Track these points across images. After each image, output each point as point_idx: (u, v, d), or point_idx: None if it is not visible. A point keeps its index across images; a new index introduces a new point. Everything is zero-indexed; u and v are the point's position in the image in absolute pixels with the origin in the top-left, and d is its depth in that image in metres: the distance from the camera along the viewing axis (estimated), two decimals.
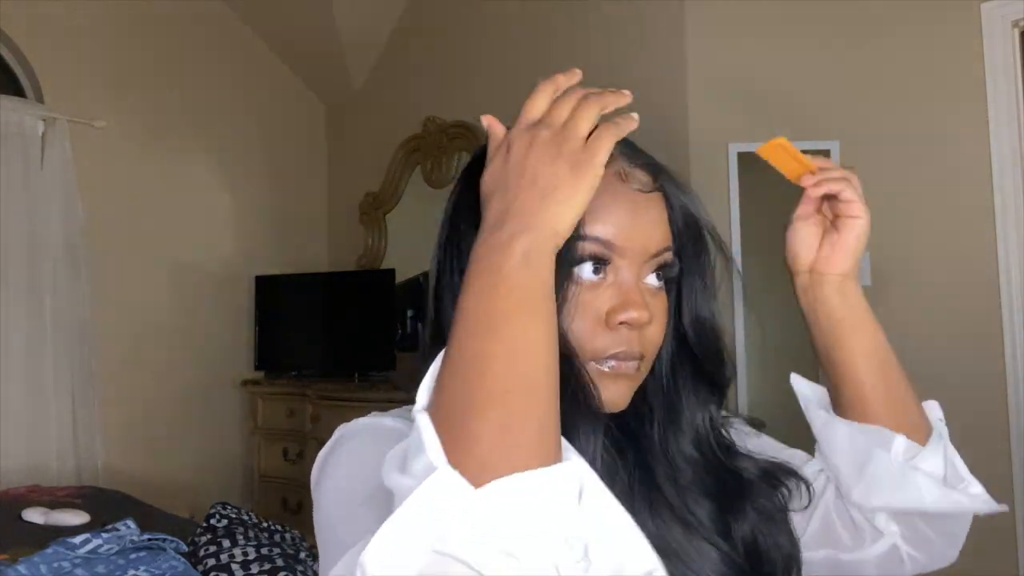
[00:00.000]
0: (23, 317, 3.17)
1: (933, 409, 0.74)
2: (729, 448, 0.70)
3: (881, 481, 0.68)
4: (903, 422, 0.69)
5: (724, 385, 0.70)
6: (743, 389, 2.60)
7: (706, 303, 0.68)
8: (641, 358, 0.62)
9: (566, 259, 0.58)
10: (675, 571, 0.60)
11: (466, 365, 0.47)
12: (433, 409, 0.47)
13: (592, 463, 0.58)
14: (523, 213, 0.52)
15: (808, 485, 0.71)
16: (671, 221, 0.65)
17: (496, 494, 0.42)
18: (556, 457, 0.46)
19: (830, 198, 0.71)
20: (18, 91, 3.35)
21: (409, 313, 3.70)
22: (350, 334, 3.76)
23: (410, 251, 3.83)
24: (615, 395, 0.62)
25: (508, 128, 0.59)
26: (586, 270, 0.61)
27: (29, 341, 3.17)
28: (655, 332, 0.63)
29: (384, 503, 0.48)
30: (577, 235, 0.57)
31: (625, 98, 0.59)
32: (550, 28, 3.28)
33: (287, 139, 4.22)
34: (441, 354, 0.50)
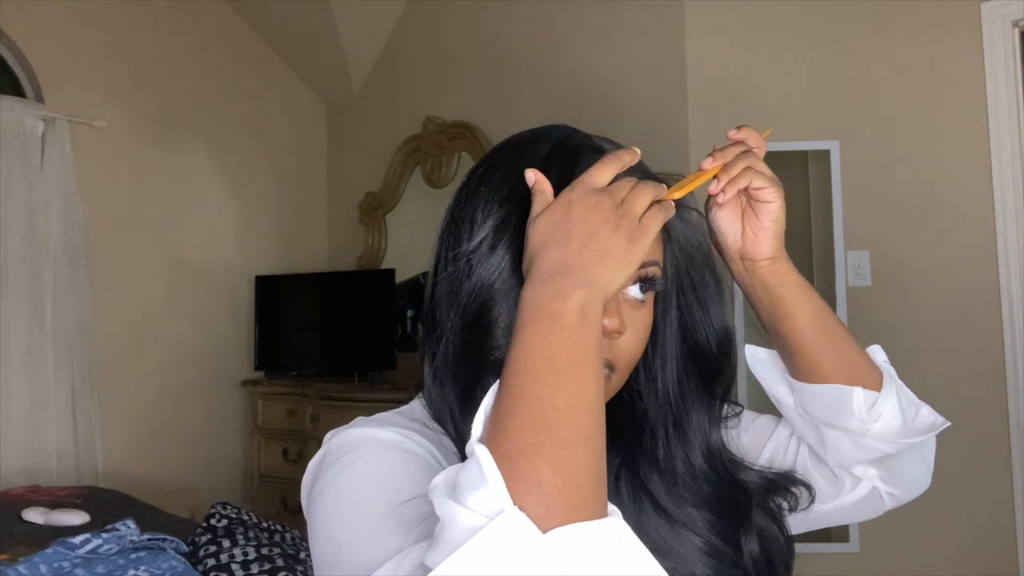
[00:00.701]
0: (23, 317, 3.17)
1: (877, 353, 0.78)
2: (734, 461, 0.74)
3: (840, 447, 0.74)
4: (856, 374, 0.73)
5: (723, 393, 0.74)
6: (743, 390, 2.60)
7: (717, 318, 0.72)
8: (612, 368, 0.64)
9: None
10: (665, 566, 0.62)
11: (530, 410, 0.48)
12: (491, 446, 0.48)
13: None
14: (582, 269, 0.54)
15: (809, 488, 0.76)
16: (669, 240, 0.68)
17: (561, 541, 0.44)
18: (606, 508, 0.49)
19: None
20: (18, 91, 3.35)
21: (409, 313, 3.71)
22: (350, 334, 3.76)
23: (410, 251, 3.83)
24: None
25: (511, 136, 0.63)
26: None
27: (29, 341, 3.17)
28: (629, 343, 0.65)
29: (401, 524, 0.50)
30: None
31: (671, 212, 0.63)
32: (550, 28, 3.28)
33: (287, 139, 4.22)
34: (495, 388, 0.51)
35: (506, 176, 0.64)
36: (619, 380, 0.66)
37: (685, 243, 0.70)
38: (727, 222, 0.73)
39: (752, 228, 0.73)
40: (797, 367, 0.75)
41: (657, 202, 0.60)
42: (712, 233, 0.74)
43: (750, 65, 2.77)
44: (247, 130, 4.03)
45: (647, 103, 2.89)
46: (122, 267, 3.53)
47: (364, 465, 0.59)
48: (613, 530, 0.46)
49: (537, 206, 0.59)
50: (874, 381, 0.73)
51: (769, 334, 0.76)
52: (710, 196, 0.73)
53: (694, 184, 0.69)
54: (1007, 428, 2.47)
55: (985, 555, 2.49)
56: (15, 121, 3.20)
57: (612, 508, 0.49)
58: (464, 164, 3.62)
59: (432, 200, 3.73)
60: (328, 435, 0.64)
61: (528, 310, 0.53)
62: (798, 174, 2.87)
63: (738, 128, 0.73)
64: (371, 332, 3.65)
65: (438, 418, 0.66)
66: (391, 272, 3.63)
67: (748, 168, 0.70)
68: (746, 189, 0.71)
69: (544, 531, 0.44)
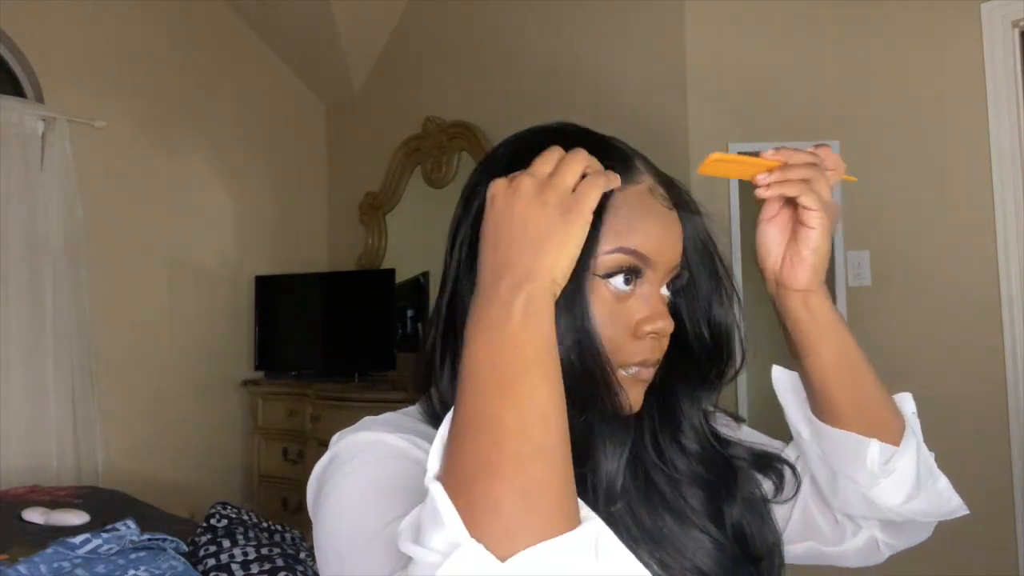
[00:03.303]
0: (23, 317, 3.17)
1: (906, 403, 0.74)
2: (720, 437, 0.73)
3: (849, 499, 0.72)
4: (875, 425, 0.70)
5: (717, 383, 0.72)
6: (743, 392, 2.60)
7: (716, 308, 0.70)
8: (657, 362, 0.65)
9: (602, 268, 0.61)
10: (670, 560, 0.63)
11: (478, 429, 0.46)
12: (446, 475, 0.46)
13: (618, 469, 0.61)
14: (518, 263, 0.51)
15: (795, 471, 0.75)
16: (683, 237, 0.67)
17: (523, 564, 0.42)
18: (576, 518, 0.46)
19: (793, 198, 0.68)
20: (18, 91, 3.35)
21: (409, 313, 3.70)
22: (350, 334, 3.76)
23: (410, 251, 3.83)
24: (636, 398, 0.64)
25: (508, 138, 0.63)
26: (619, 281, 0.62)
27: (29, 341, 3.17)
28: (668, 339, 0.65)
29: (391, 544, 0.49)
30: (619, 247, 0.61)
31: (615, 181, 0.58)
32: (550, 28, 3.28)
33: (287, 139, 4.22)
34: (449, 416, 0.49)
35: (511, 168, 0.63)
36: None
37: (693, 235, 0.68)
38: (771, 241, 0.70)
39: (791, 255, 0.68)
40: (817, 404, 0.72)
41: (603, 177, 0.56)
42: (756, 249, 0.71)
43: (750, 64, 2.77)
44: (247, 130, 4.03)
45: (648, 102, 2.89)
46: (122, 267, 3.53)
47: (369, 472, 0.58)
48: (585, 540, 0.44)
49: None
50: (893, 434, 0.70)
51: (794, 362, 0.74)
52: (760, 208, 0.70)
53: (742, 163, 0.65)
54: (1007, 428, 2.47)
55: (985, 555, 2.49)
56: (15, 121, 3.20)
57: (586, 513, 0.47)
58: (464, 164, 3.62)
59: (432, 200, 3.73)
60: (335, 436, 0.63)
61: (470, 322, 0.51)
62: None
63: (817, 145, 0.68)
64: (371, 332, 3.65)
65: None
66: (391, 272, 3.63)
67: (806, 181, 0.65)
68: (795, 208, 0.67)
69: (506, 556, 0.42)
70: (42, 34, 3.35)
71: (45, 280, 3.22)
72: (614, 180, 0.57)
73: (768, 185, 0.65)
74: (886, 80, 2.67)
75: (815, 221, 0.66)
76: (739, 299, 0.72)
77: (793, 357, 0.73)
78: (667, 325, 0.62)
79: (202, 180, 3.88)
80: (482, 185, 0.62)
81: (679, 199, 0.67)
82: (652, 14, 2.91)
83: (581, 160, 0.56)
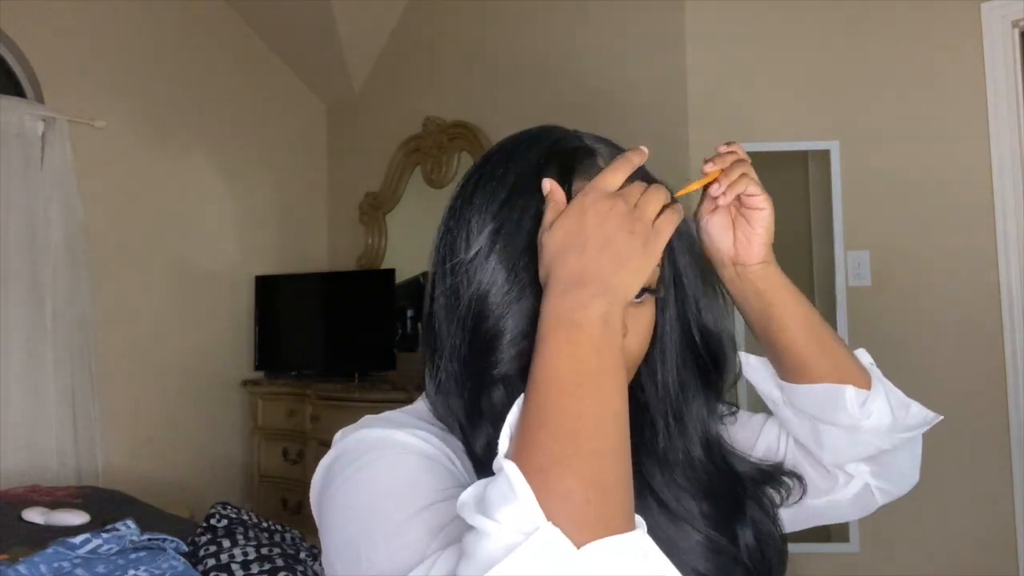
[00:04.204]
0: (23, 317, 3.16)
1: (863, 356, 0.80)
2: (730, 451, 0.75)
3: (837, 444, 0.76)
4: (844, 374, 0.75)
5: (721, 385, 0.75)
6: (743, 387, 2.60)
7: (708, 313, 0.72)
8: None
9: None
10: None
11: (555, 422, 0.49)
12: (517, 460, 0.48)
13: None
14: (600, 277, 0.55)
15: (801, 479, 0.78)
16: (674, 248, 0.70)
17: (596, 555, 0.44)
18: (633, 519, 0.49)
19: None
20: (18, 91, 3.35)
21: (409, 313, 3.70)
22: (350, 334, 3.76)
23: (410, 251, 3.83)
24: None
25: (503, 140, 0.64)
26: None
27: (29, 341, 3.17)
28: (633, 343, 0.65)
29: (431, 528, 0.52)
30: None
31: (681, 215, 0.63)
32: (550, 28, 3.28)
33: (287, 139, 4.22)
34: (519, 402, 0.52)
35: (498, 186, 0.64)
36: (627, 380, 0.65)
37: (682, 239, 0.71)
38: (719, 229, 0.75)
39: (744, 234, 0.74)
40: (788, 368, 0.77)
41: (667, 206, 0.61)
42: (703, 244, 0.76)
43: (750, 65, 2.77)
44: (247, 130, 4.03)
45: (647, 103, 2.88)
46: (122, 267, 3.53)
47: (384, 467, 0.59)
48: (640, 543, 0.47)
49: (550, 214, 0.59)
50: (863, 382, 0.75)
51: (760, 339, 0.78)
52: (700, 204, 0.76)
53: (697, 185, 0.72)
54: (1007, 428, 2.47)
55: (985, 555, 2.49)
56: (15, 121, 3.19)
57: (638, 519, 0.49)
58: (464, 164, 3.62)
59: (432, 200, 3.73)
60: (338, 434, 0.64)
61: (550, 322, 0.53)
62: (798, 174, 2.87)
63: (727, 144, 0.75)
64: (371, 332, 3.65)
65: (445, 423, 0.66)
66: (391, 272, 3.63)
67: (744, 175, 0.72)
68: (738, 197, 0.73)
69: (577, 545, 0.44)
70: (42, 34, 3.35)
71: (45, 280, 3.22)
72: (681, 214, 0.63)
73: (724, 193, 0.71)
74: (886, 80, 2.67)
75: (763, 202, 0.73)
76: (726, 298, 0.76)
77: (758, 334, 0.78)
78: None
79: (202, 180, 3.88)
80: (467, 206, 0.65)
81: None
82: (652, 15, 2.91)
83: (661, 197, 0.60)
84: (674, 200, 0.63)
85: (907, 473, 0.81)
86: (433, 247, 0.68)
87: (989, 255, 2.53)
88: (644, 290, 0.65)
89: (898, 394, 0.78)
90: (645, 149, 0.63)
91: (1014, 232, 2.50)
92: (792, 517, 0.78)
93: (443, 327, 0.64)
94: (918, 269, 2.62)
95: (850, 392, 0.74)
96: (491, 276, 0.61)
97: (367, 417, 0.65)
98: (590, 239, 0.56)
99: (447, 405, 0.65)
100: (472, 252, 0.62)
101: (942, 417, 0.79)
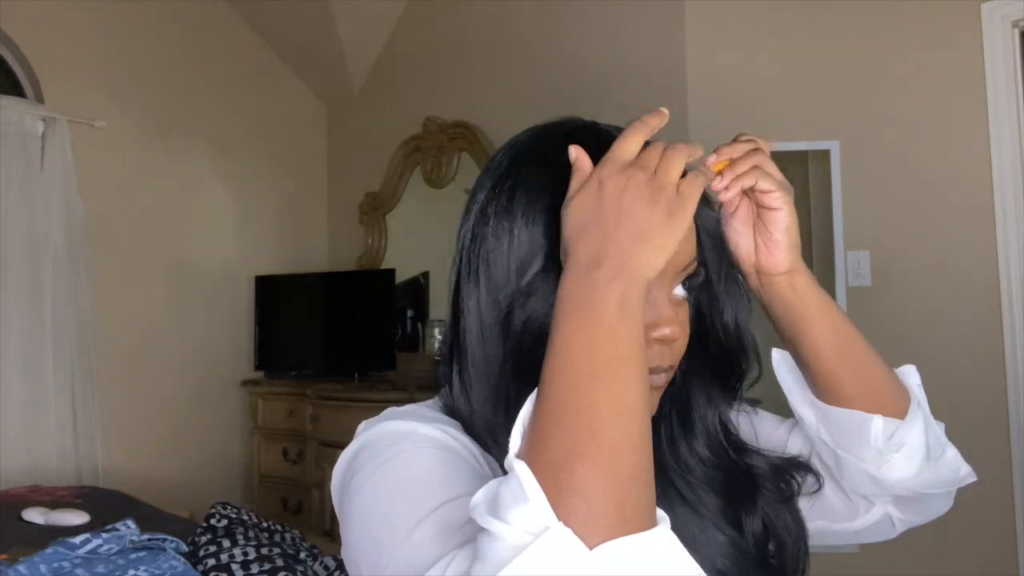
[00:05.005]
0: (23, 317, 3.16)
1: (910, 375, 0.73)
2: (740, 446, 0.72)
3: (856, 479, 0.71)
4: (878, 400, 0.68)
5: (737, 385, 0.71)
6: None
7: (730, 308, 0.68)
8: (670, 369, 0.63)
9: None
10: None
11: (571, 416, 0.46)
12: (530, 457, 0.45)
13: None
14: (619, 255, 0.51)
15: (817, 476, 0.73)
16: (697, 231, 0.64)
17: (609, 557, 0.42)
18: (655, 515, 0.46)
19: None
20: (18, 91, 3.35)
21: (409, 313, 3.70)
22: (350, 334, 3.76)
23: (410, 251, 3.83)
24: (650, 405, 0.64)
25: (512, 142, 0.61)
26: None
27: (29, 341, 3.17)
28: (683, 343, 0.63)
29: (451, 525, 0.51)
30: None
31: (711, 176, 0.60)
32: (550, 28, 3.28)
33: (287, 139, 4.22)
34: (532, 397, 0.49)
35: (540, 193, 0.60)
36: (671, 375, 0.64)
37: (709, 233, 0.66)
38: (739, 234, 0.68)
39: (764, 241, 0.67)
40: (817, 386, 0.71)
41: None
42: (728, 247, 0.69)
43: (750, 64, 2.77)
44: (247, 130, 4.03)
45: (647, 102, 2.87)
46: (122, 267, 3.53)
47: (408, 459, 0.57)
48: (663, 541, 0.45)
49: (573, 185, 0.56)
50: (899, 408, 0.69)
51: (789, 350, 0.73)
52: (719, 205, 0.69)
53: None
54: (1007, 428, 2.47)
55: (985, 555, 2.49)
56: (15, 121, 3.19)
57: (661, 515, 0.47)
58: (464, 164, 3.61)
59: (432, 200, 3.72)
60: (361, 426, 0.62)
61: (564, 306, 0.50)
62: (798, 174, 2.87)
63: (743, 134, 0.69)
64: (371, 332, 3.65)
65: (466, 423, 0.64)
66: (391, 272, 3.62)
67: (756, 167, 0.65)
68: (753, 193, 0.66)
69: (592, 545, 0.42)
70: (42, 34, 3.35)
71: (45, 280, 3.22)
72: (709, 175, 0.57)
73: (726, 187, 0.65)
74: (886, 80, 2.67)
75: (777, 201, 0.65)
76: (749, 299, 0.70)
77: (787, 344, 0.72)
78: (674, 332, 0.60)
79: (202, 180, 3.88)
80: (482, 192, 0.62)
81: None
82: (652, 14, 2.91)
83: (684, 154, 0.55)
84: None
85: (936, 507, 0.75)
86: (459, 252, 0.64)
87: (989, 255, 2.53)
88: (689, 278, 0.62)
89: (937, 431, 0.71)
90: (665, 111, 0.58)
91: (1014, 232, 2.50)
92: (811, 533, 0.74)
93: (476, 340, 0.61)
94: (918, 269, 2.62)
95: (877, 423, 0.67)
96: (548, 300, 0.57)
97: (390, 409, 0.64)
98: (607, 215, 0.52)
99: (469, 405, 0.63)
100: (527, 278, 0.59)
101: (975, 479, 0.72)
